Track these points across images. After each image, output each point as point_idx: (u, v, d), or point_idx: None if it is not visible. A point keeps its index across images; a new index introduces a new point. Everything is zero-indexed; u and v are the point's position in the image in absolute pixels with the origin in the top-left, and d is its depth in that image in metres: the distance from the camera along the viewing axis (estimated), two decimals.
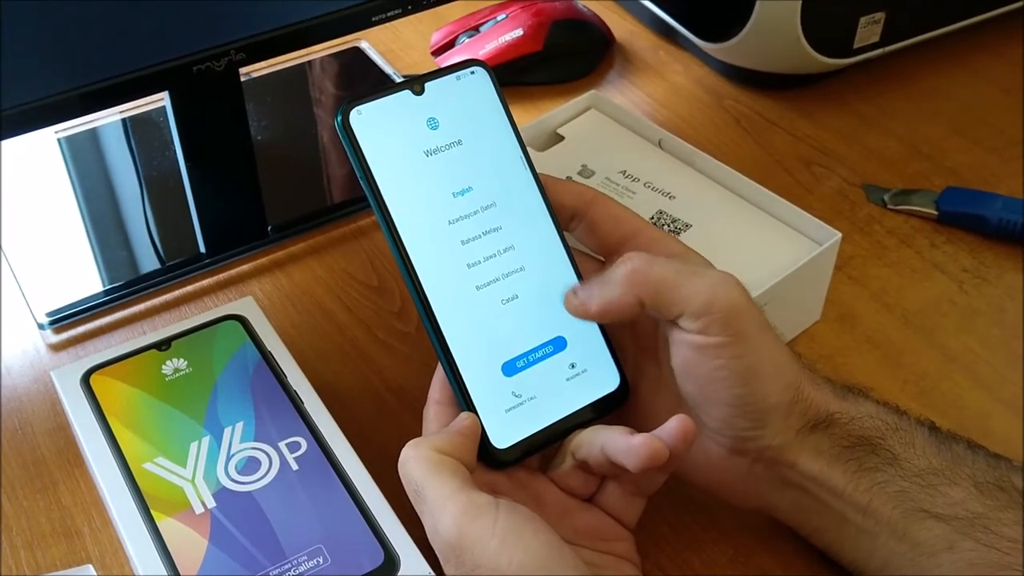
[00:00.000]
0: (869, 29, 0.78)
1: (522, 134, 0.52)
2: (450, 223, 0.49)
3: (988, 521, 0.45)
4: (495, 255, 0.50)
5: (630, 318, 0.48)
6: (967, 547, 0.45)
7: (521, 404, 0.49)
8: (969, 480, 0.46)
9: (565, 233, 0.51)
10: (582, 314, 0.49)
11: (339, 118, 0.48)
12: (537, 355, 0.50)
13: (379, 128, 0.48)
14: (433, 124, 0.49)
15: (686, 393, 0.48)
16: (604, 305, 0.48)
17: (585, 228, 0.52)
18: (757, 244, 0.61)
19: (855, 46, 0.79)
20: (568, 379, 0.50)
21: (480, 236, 0.49)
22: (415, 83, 0.50)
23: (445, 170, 0.49)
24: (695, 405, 0.48)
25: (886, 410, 0.49)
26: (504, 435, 0.48)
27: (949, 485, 0.46)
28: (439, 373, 0.49)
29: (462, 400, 0.48)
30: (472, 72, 0.51)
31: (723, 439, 0.48)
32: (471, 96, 0.51)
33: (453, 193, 0.49)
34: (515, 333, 0.49)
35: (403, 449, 0.46)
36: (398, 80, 0.81)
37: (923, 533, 0.46)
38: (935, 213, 0.71)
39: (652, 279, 0.47)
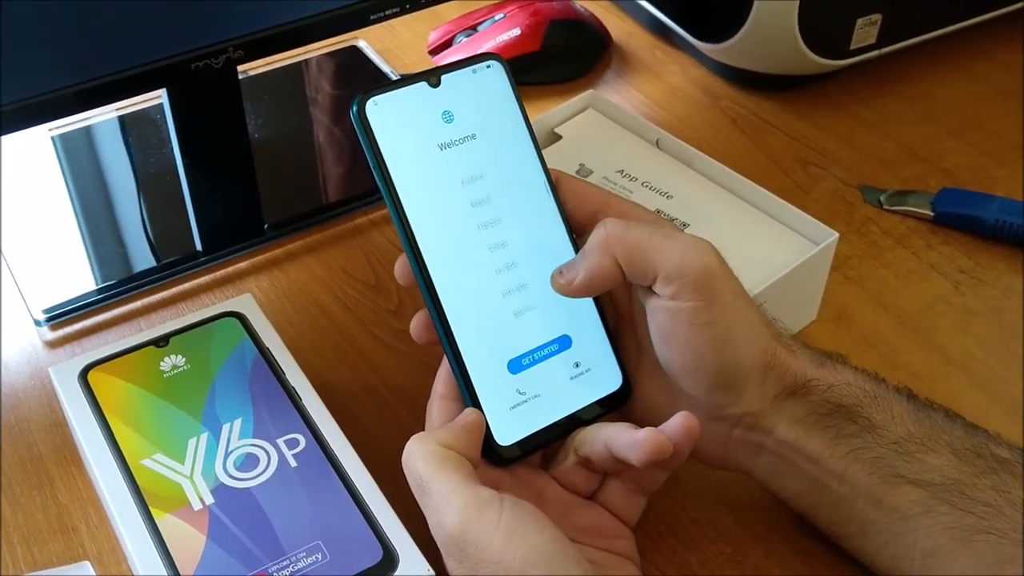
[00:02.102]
0: (866, 31, 0.78)
1: None
2: (462, 217, 0.49)
3: (964, 487, 0.45)
4: (505, 251, 0.50)
5: (613, 284, 0.48)
6: (943, 512, 0.45)
7: (526, 401, 0.49)
8: (947, 447, 0.46)
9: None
10: (570, 291, 0.48)
11: (355, 108, 0.48)
12: (543, 353, 0.50)
13: (394, 119, 0.48)
14: (448, 117, 0.49)
15: (664, 362, 0.48)
16: (587, 275, 0.48)
17: None
18: (754, 243, 0.61)
19: (852, 47, 0.79)
20: (572, 378, 0.50)
21: (491, 231, 0.49)
22: (432, 75, 0.49)
23: (458, 164, 0.49)
24: (672, 373, 0.48)
25: (864, 377, 0.49)
26: (508, 432, 0.48)
27: (927, 452, 0.46)
28: (444, 367, 0.49)
29: (467, 396, 0.48)
30: (488, 66, 0.51)
31: (702, 406, 0.48)
32: (486, 90, 0.50)
33: (465, 187, 0.49)
34: (522, 330, 0.49)
35: (408, 443, 0.46)
36: (394, 79, 0.81)
37: (899, 498, 0.46)
38: (931, 214, 0.71)
39: (627, 241, 0.47)
